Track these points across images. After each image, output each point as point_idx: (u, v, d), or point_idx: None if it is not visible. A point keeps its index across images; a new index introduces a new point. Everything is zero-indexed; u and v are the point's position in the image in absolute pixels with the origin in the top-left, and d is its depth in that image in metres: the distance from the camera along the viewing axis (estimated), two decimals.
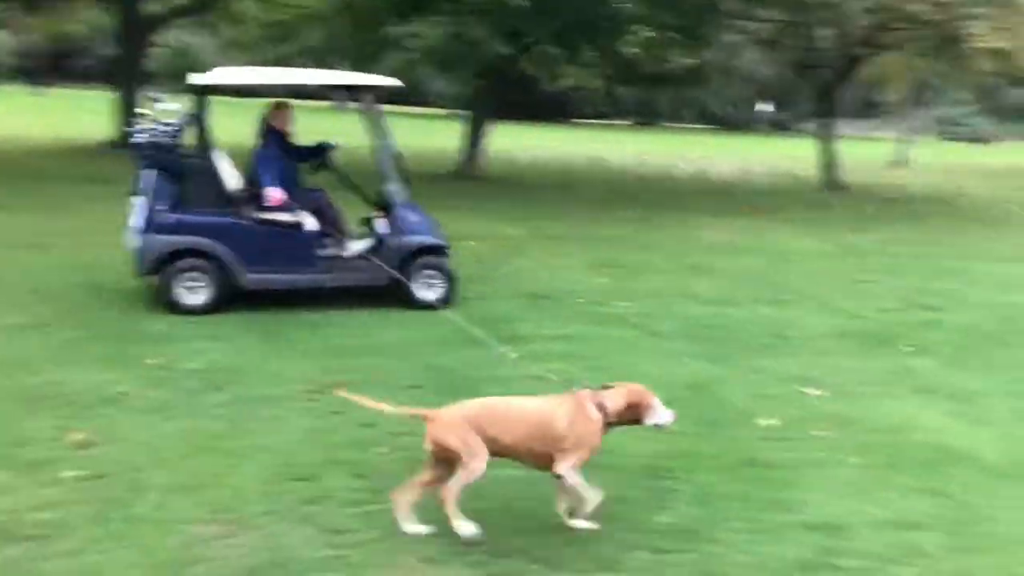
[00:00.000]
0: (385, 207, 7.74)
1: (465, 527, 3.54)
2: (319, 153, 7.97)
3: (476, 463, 3.54)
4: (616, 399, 3.72)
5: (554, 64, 18.79)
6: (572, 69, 20.22)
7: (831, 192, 18.59)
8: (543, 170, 21.40)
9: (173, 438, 4.61)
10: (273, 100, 7.90)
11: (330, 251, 7.60)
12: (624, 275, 9.41)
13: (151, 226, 7.03)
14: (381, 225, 7.65)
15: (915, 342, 7.19)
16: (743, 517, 4.04)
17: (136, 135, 7.41)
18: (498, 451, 3.63)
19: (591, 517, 3.75)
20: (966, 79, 18.63)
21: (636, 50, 16.05)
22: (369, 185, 8.06)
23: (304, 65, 19.44)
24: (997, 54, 15.03)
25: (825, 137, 19.32)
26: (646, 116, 62.41)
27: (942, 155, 32.56)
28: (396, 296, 7.44)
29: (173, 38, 51.87)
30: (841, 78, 18.33)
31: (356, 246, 7.67)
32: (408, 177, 7.81)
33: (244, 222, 7.17)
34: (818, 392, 5.84)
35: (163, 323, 6.72)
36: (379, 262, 7.38)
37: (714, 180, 21.35)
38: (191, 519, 3.76)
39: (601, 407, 3.69)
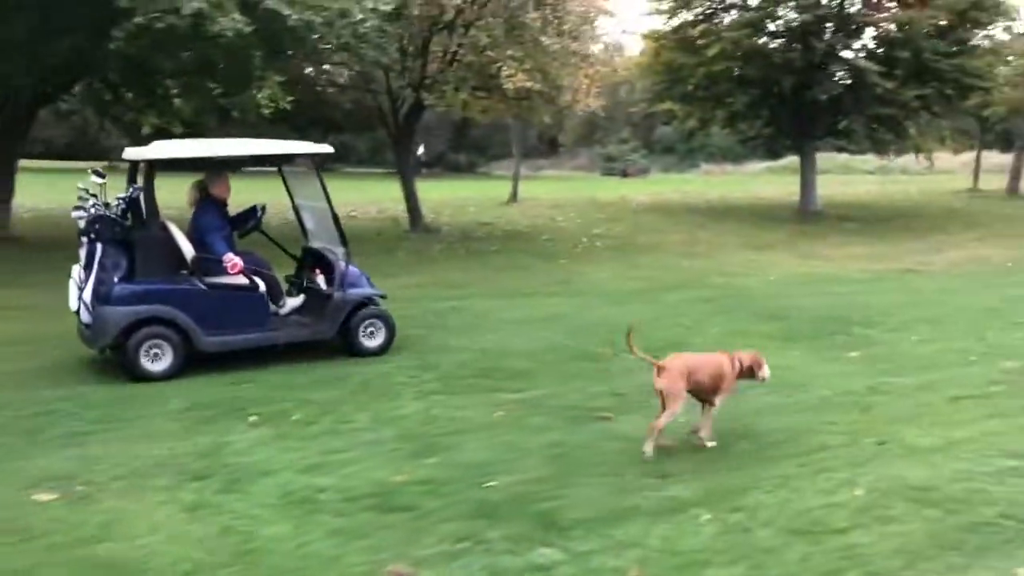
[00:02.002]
0: (323, 264, 8.29)
1: (648, 448, 5.30)
2: (249, 218, 8.38)
3: (677, 407, 5.34)
4: (746, 358, 5.61)
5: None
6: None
7: (415, 234, 18.40)
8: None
9: None
10: (210, 170, 8.13)
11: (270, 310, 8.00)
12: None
13: (108, 298, 7.22)
14: (321, 281, 8.22)
15: (269, 408, 6.43)
16: None
17: (80, 210, 7.58)
18: (694, 388, 5.42)
19: (711, 438, 5.55)
20: (534, 118, 19.23)
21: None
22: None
23: None
24: (540, 95, 15.50)
25: (405, 178, 19.15)
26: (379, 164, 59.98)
27: (564, 191, 34.05)
28: (340, 348, 8.01)
29: None
30: (409, 121, 18.18)
31: (291, 303, 8.22)
32: (345, 236, 8.19)
33: (199, 288, 7.49)
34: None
35: None
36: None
37: None
38: None
39: (740, 362, 5.57)
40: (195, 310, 7.34)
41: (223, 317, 7.49)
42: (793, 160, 55.01)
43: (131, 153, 7.68)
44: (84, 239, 7.51)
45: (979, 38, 22.60)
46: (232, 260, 7.58)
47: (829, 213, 23.62)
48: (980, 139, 34.08)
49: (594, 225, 21.15)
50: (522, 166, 62.12)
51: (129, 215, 7.49)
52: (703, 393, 5.50)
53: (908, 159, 51.02)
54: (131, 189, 7.66)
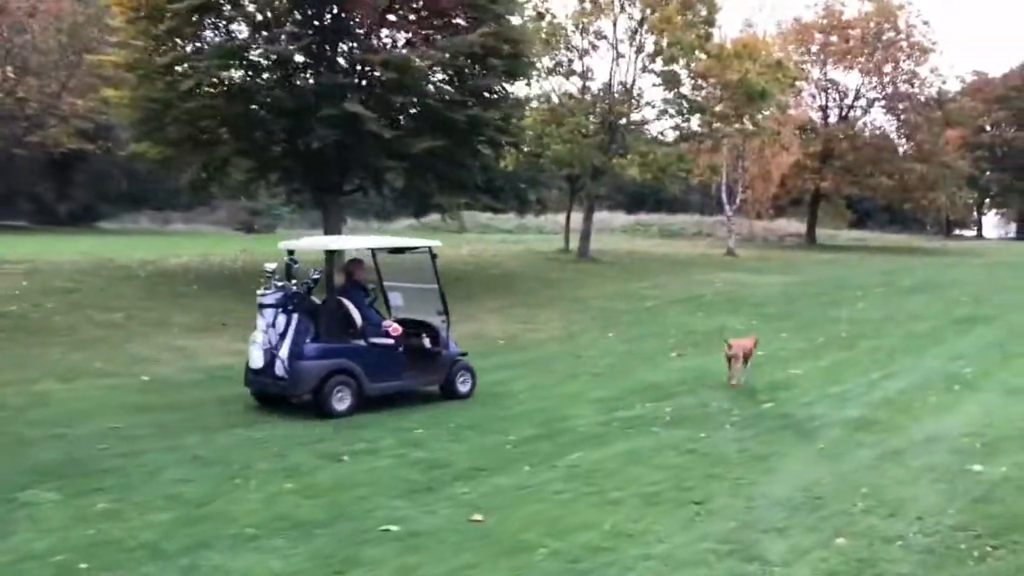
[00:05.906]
0: (425, 329, 10.78)
1: (733, 382, 11.49)
2: (368, 295, 10.65)
3: (739, 365, 11.47)
4: (753, 338, 12.43)
5: None
6: None
7: None
8: None
9: None
10: (353, 257, 11.50)
11: None
12: None
13: (302, 355, 9.63)
14: (427, 342, 10.70)
15: None
16: None
17: (274, 289, 9.90)
18: (744, 356, 11.59)
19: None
20: None
21: None
22: None
23: None
24: None
25: None
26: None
27: (107, 251, 26.89)
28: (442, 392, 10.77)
29: None
30: None
31: None
32: (448, 306, 10.76)
33: (364, 346, 10.01)
34: None
35: None
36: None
37: None
38: None
39: (754, 342, 12.24)
40: (363, 363, 9.87)
41: (379, 368, 10.00)
42: (435, 218, 51.77)
43: (296, 244, 10.63)
44: (268, 310, 9.74)
45: (513, 88, 20.98)
46: (393, 325, 10.31)
47: None
48: (569, 200, 33.36)
49: (35, 298, 16.12)
50: (149, 220, 54.23)
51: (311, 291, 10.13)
52: (745, 360, 11.62)
53: (547, 219, 50.71)
54: (313, 272, 10.33)
